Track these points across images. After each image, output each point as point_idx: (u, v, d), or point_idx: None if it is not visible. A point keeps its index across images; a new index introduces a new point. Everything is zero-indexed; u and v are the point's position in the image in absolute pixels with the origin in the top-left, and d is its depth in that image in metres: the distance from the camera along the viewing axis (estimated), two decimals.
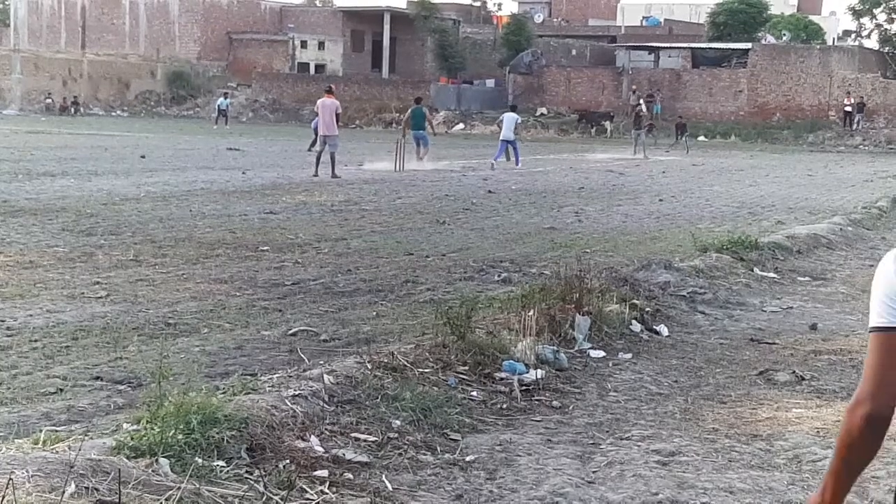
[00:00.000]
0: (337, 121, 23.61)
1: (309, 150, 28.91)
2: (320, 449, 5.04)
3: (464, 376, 6.50)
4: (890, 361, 2.21)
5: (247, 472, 4.60)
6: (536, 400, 6.43)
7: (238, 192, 18.74)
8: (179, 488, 4.11)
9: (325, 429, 5.29)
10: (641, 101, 38.41)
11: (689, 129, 42.84)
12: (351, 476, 4.84)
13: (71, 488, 3.88)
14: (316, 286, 9.97)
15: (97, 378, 6.46)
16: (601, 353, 7.59)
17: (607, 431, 5.86)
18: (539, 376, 6.71)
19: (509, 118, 29.73)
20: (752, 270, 11.48)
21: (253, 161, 27.14)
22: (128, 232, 13.09)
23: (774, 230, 15.12)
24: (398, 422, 5.56)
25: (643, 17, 76.23)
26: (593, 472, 5.18)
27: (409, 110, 29.55)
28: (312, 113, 31.73)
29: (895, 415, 2.24)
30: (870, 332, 2.27)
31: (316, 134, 29.20)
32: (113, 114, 59.39)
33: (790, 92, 53.42)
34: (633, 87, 55.69)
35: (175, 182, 20.23)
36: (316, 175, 22.60)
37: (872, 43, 65.07)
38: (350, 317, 8.61)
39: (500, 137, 29.76)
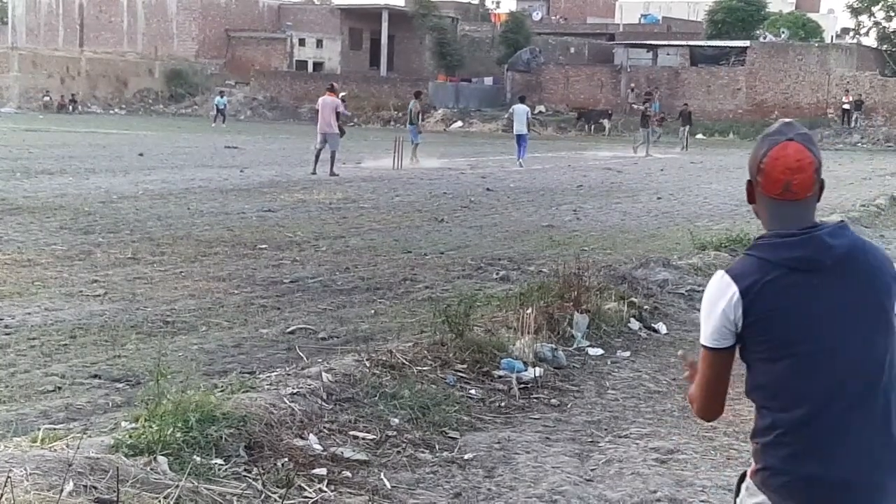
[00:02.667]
0: (338, 119, 23.66)
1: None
2: (319, 447, 5.04)
3: (462, 374, 6.50)
4: (717, 375, 2.62)
5: (245, 470, 4.60)
6: (535, 398, 6.44)
7: (236, 190, 18.73)
8: (178, 486, 4.11)
9: (324, 427, 5.29)
10: (647, 104, 38.37)
11: (692, 121, 42.77)
12: (349, 474, 4.84)
13: (69, 486, 3.88)
14: (314, 284, 9.97)
15: (95, 376, 6.46)
16: (599, 351, 7.59)
17: (606, 429, 5.87)
18: (537, 374, 6.71)
19: (520, 111, 28.61)
20: None
21: (251, 159, 27.12)
22: (126, 230, 13.08)
23: None
24: (397, 420, 5.56)
25: (641, 15, 76.26)
26: (592, 469, 5.18)
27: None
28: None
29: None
30: (701, 347, 2.59)
31: (341, 131, 29.46)
32: (111, 112, 59.34)
33: (788, 90, 53.44)
34: (632, 85, 55.69)
35: (173, 180, 20.21)
36: (314, 173, 22.59)
37: (871, 41, 65.24)
38: (348, 315, 8.61)
39: (514, 132, 28.53)
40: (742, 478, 2.62)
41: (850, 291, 2.47)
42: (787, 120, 2.64)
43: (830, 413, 2.44)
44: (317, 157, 23.21)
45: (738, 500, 2.62)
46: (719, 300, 2.51)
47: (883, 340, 2.47)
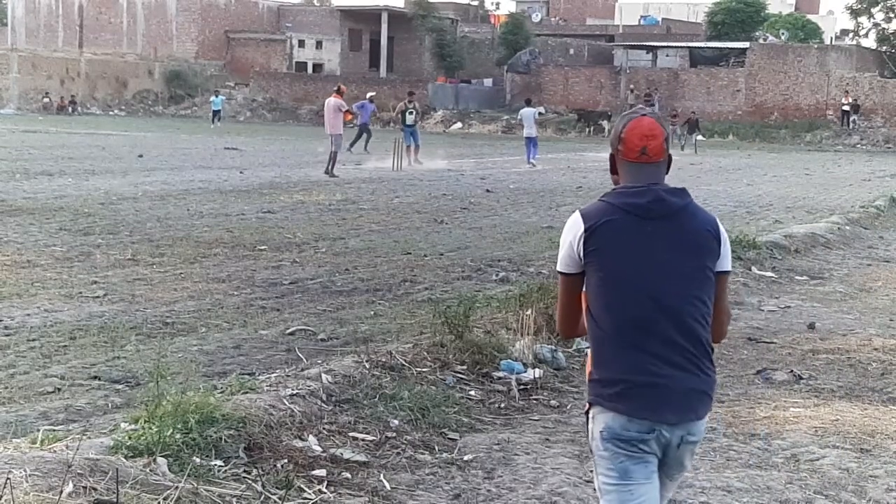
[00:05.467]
0: (344, 119, 24.03)
1: (349, 149, 29.18)
2: (318, 448, 5.04)
3: (462, 375, 6.50)
4: (568, 297, 3.17)
5: (245, 471, 4.60)
6: (534, 399, 6.44)
7: (236, 192, 18.73)
8: (177, 488, 4.11)
9: (323, 428, 5.29)
10: (651, 107, 38.70)
11: (700, 128, 43.21)
12: (349, 475, 4.84)
13: (69, 488, 3.88)
14: (314, 285, 9.96)
15: (95, 377, 6.46)
16: None
17: None
18: (537, 375, 6.71)
19: (527, 114, 29.68)
20: (750, 270, 11.49)
21: (250, 160, 27.12)
22: (125, 231, 13.08)
23: (772, 229, 15.13)
24: (396, 421, 5.56)
25: (641, 17, 76.29)
26: (591, 471, 5.18)
27: None
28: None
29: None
30: (557, 272, 3.18)
31: (360, 130, 29.53)
32: (110, 113, 59.31)
33: (788, 91, 53.43)
34: (632, 86, 55.70)
35: (173, 181, 20.21)
36: (327, 172, 22.83)
37: (870, 42, 65.17)
38: (348, 316, 8.60)
39: (524, 135, 29.67)
40: (586, 416, 3.08)
41: (674, 239, 3.00)
42: (640, 105, 3.22)
43: (648, 331, 2.95)
44: (330, 157, 23.45)
45: (590, 433, 3.07)
46: (569, 234, 3.11)
47: (695, 279, 3.00)
